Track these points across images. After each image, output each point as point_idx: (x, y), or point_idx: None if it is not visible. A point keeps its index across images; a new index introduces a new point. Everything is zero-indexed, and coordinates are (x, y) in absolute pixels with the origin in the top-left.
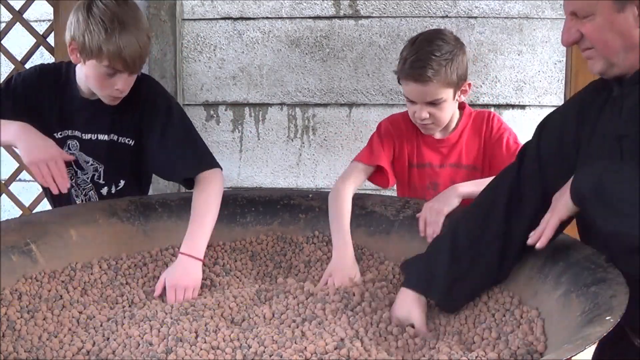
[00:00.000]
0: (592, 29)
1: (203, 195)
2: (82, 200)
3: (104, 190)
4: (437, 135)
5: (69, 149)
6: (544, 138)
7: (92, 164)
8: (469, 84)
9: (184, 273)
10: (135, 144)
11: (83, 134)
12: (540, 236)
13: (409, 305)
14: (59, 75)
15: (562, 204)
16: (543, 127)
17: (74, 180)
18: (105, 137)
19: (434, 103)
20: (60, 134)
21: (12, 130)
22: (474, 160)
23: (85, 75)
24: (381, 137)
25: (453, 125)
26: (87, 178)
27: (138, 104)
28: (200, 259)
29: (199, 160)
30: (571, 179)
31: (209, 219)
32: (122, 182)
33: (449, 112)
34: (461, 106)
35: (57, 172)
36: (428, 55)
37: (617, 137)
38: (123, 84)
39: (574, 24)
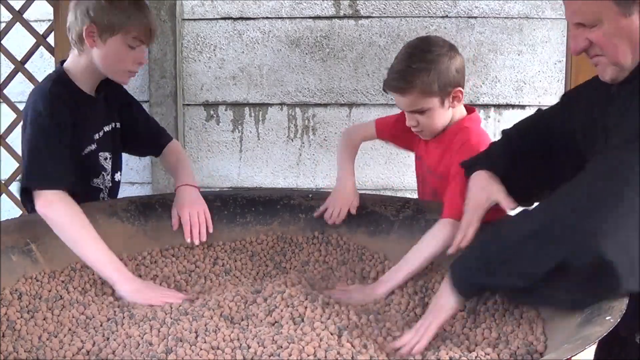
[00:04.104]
0: (601, 36)
1: (177, 152)
2: (104, 198)
3: (111, 180)
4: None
5: (89, 158)
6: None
7: (108, 158)
8: (460, 91)
9: (191, 199)
10: (119, 127)
11: (98, 133)
12: (415, 344)
13: (484, 183)
14: (63, 87)
15: (444, 306)
16: (567, 103)
17: (102, 184)
18: (109, 128)
19: (418, 112)
20: (96, 137)
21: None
22: (447, 173)
23: (105, 55)
24: (401, 118)
25: (446, 129)
26: (109, 176)
27: (116, 89)
28: (198, 187)
29: (164, 131)
30: (448, 282)
31: (189, 162)
32: (120, 173)
33: (440, 119)
34: (470, 110)
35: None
36: (404, 66)
37: (604, 128)
38: (144, 57)
39: (580, 32)
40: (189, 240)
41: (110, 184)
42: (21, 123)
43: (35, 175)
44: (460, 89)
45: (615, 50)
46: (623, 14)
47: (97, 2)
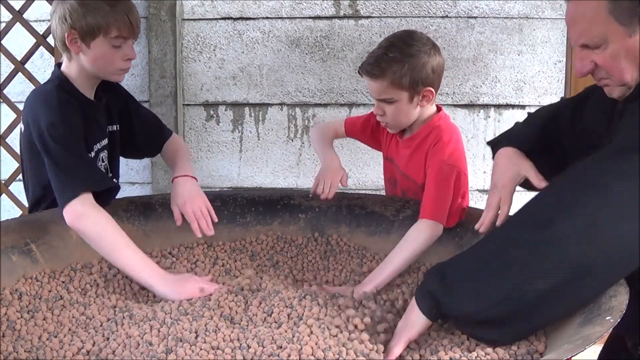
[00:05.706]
0: (607, 58)
1: (175, 141)
2: None
3: None
4: (404, 135)
5: (102, 161)
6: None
7: (105, 159)
8: (430, 91)
9: (188, 191)
10: (119, 129)
11: (104, 139)
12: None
13: (514, 159)
14: (67, 93)
15: (411, 324)
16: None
17: None
18: (112, 128)
19: (386, 101)
20: (96, 147)
21: (164, 284)
22: (415, 174)
23: (93, 59)
24: (370, 117)
25: (416, 128)
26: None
27: (114, 91)
28: (195, 177)
29: (164, 127)
30: (413, 300)
31: (187, 151)
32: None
33: (406, 115)
34: (438, 108)
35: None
36: (381, 53)
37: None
38: (132, 52)
39: (586, 54)
40: (199, 235)
41: None
42: (21, 125)
43: (68, 189)
44: (430, 89)
45: (621, 72)
46: (628, 33)
47: (72, 6)
